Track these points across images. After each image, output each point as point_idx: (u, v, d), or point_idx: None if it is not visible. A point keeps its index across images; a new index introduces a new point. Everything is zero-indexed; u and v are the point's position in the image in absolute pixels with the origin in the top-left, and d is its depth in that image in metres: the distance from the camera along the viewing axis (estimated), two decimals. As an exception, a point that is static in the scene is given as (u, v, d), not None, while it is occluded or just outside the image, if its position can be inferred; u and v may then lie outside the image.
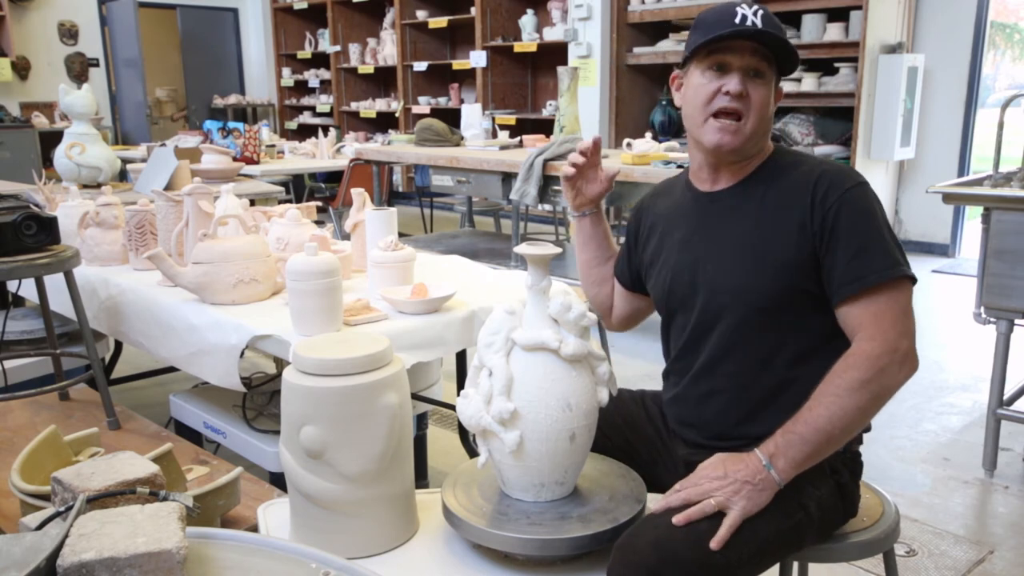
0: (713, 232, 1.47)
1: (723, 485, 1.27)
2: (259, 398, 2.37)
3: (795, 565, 1.64)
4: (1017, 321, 2.67)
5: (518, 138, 5.08)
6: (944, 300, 5.09)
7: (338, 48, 9.54)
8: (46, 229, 2.09)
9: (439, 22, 8.41)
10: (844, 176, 1.39)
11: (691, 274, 1.48)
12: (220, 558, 1.00)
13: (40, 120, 8.19)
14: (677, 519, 1.25)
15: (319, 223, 2.44)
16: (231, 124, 5.37)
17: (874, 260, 1.33)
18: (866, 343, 1.31)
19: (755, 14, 1.36)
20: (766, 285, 1.39)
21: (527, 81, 8.37)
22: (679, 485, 1.31)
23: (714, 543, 1.22)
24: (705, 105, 1.41)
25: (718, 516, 1.26)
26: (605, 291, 1.73)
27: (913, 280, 1.35)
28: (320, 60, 10.09)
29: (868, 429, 1.48)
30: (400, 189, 8.90)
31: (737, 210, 1.45)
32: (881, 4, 5.59)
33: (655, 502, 1.39)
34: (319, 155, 5.82)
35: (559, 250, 1.37)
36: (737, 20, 1.36)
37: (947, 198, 2.78)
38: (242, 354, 1.90)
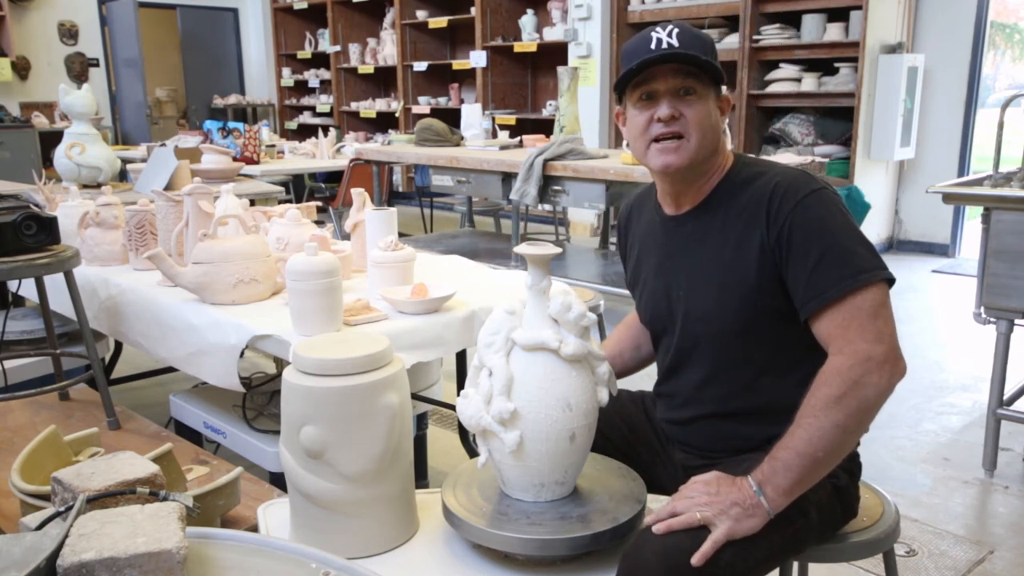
0: (681, 258, 1.46)
1: (712, 501, 1.25)
2: (259, 398, 2.37)
3: (795, 565, 1.64)
4: (1017, 321, 2.67)
5: (518, 138, 5.09)
6: (944, 300, 5.09)
7: (338, 48, 9.54)
8: (46, 229, 2.09)
9: (439, 22, 8.41)
10: (798, 186, 1.34)
11: (666, 301, 1.49)
12: (220, 558, 1.00)
13: (40, 120, 8.19)
14: (658, 527, 1.24)
15: (319, 223, 2.43)
16: (231, 124, 5.37)
17: (832, 271, 1.29)
18: (836, 357, 1.28)
19: (670, 35, 1.35)
20: (736, 309, 1.38)
21: (527, 81, 8.37)
22: (671, 499, 1.31)
23: (695, 559, 1.20)
24: (642, 135, 1.40)
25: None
26: (647, 351, 1.71)
27: (888, 281, 1.31)
28: (320, 60, 10.09)
29: (866, 430, 1.48)
30: (400, 189, 8.90)
31: (700, 234, 1.43)
32: (881, 4, 5.59)
33: (655, 503, 1.39)
34: (319, 155, 5.82)
35: (559, 250, 1.37)
36: (652, 45, 1.35)
37: (947, 198, 2.78)
38: (242, 354, 1.90)
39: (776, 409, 1.38)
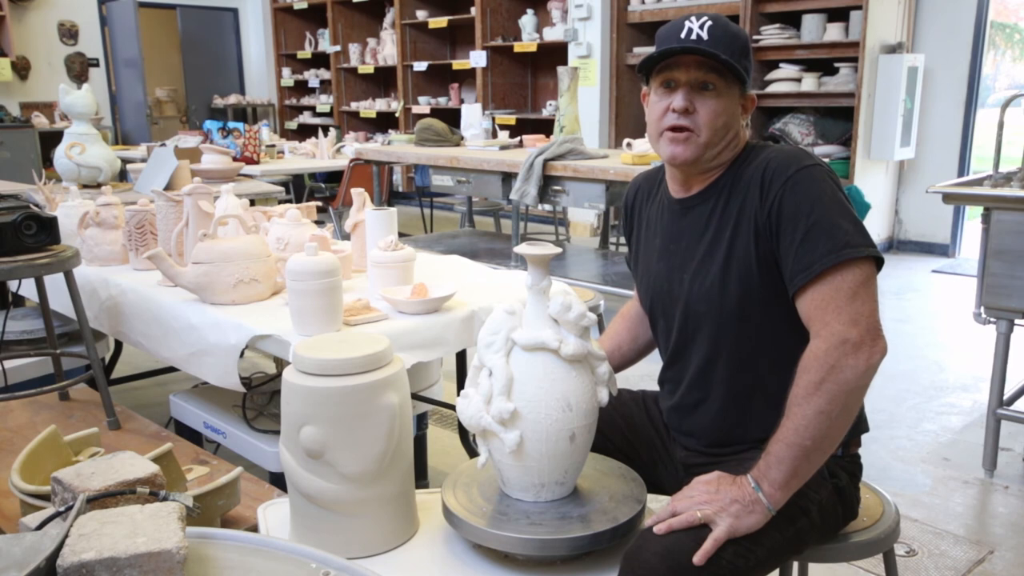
0: (685, 241, 1.46)
1: (712, 499, 1.25)
2: (259, 398, 2.37)
3: (795, 565, 1.64)
4: (1017, 321, 2.67)
5: (518, 138, 5.09)
6: (944, 300, 5.09)
7: (338, 48, 9.54)
8: (46, 229, 2.09)
9: (439, 22, 8.41)
10: (789, 161, 1.34)
11: (668, 283, 1.49)
12: (220, 558, 1.00)
13: (40, 120, 8.19)
14: (659, 528, 1.24)
15: (319, 223, 2.43)
16: (231, 124, 5.37)
17: (818, 245, 1.27)
18: (814, 341, 1.27)
19: (702, 27, 1.35)
20: (737, 291, 1.38)
21: (527, 81, 8.37)
22: (672, 499, 1.31)
23: (697, 557, 1.20)
24: (658, 122, 1.41)
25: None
26: (644, 341, 1.72)
27: (875, 260, 1.28)
28: (320, 60, 10.09)
29: (866, 429, 1.48)
30: (400, 189, 8.90)
31: (703, 217, 1.44)
32: (881, 4, 5.59)
33: (655, 503, 1.39)
34: (319, 155, 5.82)
35: (559, 250, 1.37)
36: (683, 35, 1.35)
37: (947, 198, 2.78)
38: (242, 354, 1.90)
39: (781, 392, 1.36)
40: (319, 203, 3.73)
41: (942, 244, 6.19)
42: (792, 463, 1.24)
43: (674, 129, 1.38)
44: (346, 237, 2.46)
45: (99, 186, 3.61)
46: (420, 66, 8.61)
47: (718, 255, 1.40)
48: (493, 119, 7.33)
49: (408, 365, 1.66)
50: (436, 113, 8.34)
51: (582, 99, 5.70)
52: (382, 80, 9.75)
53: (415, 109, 8.74)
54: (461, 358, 2.63)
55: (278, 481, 2.00)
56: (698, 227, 1.45)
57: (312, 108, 10.19)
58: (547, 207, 6.44)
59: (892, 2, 5.71)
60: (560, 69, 4.25)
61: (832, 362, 1.23)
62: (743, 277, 1.37)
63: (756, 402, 1.43)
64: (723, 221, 1.41)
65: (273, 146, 5.70)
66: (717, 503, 1.25)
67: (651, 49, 1.42)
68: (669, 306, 1.50)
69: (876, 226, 6.13)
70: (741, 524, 1.23)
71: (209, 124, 5.45)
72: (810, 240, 1.28)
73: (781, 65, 6.06)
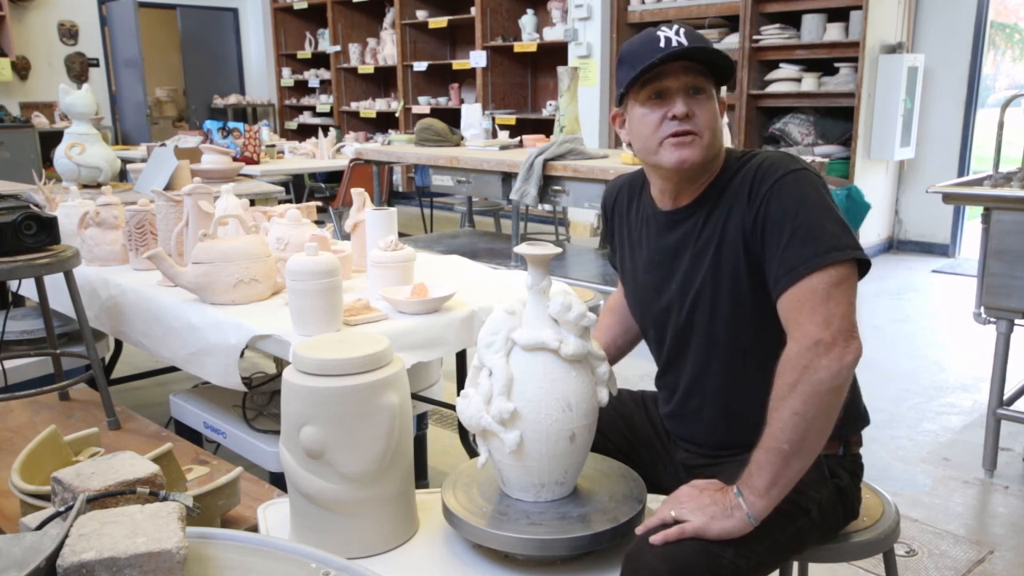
0: (674, 253, 1.46)
1: (693, 500, 1.26)
2: (259, 398, 2.37)
3: (795, 565, 1.64)
4: (1017, 321, 2.67)
5: (518, 138, 5.09)
6: (944, 300, 5.09)
7: (338, 48, 9.54)
8: (46, 229, 2.09)
9: (439, 22, 8.41)
10: (776, 166, 1.34)
11: (658, 294, 1.49)
12: (220, 558, 1.00)
13: (40, 120, 8.19)
14: (638, 528, 1.26)
15: (319, 223, 2.44)
16: (231, 124, 5.37)
17: (802, 250, 1.26)
18: (788, 344, 1.26)
19: (678, 33, 1.34)
20: (727, 300, 1.38)
21: (527, 81, 8.37)
22: (663, 502, 1.31)
23: (654, 538, 1.22)
24: (654, 134, 1.38)
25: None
26: (636, 331, 1.71)
27: (859, 261, 1.27)
28: (320, 60, 10.09)
29: (866, 423, 1.48)
30: (400, 189, 8.89)
31: (694, 228, 1.43)
32: (881, 4, 5.59)
33: (655, 503, 1.39)
34: (319, 155, 5.82)
35: (559, 250, 1.37)
36: (662, 44, 1.34)
37: (947, 198, 2.78)
38: (242, 354, 1.91)
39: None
40: (319, 203, 3.73)
41: (942, 244, 6.19)
42: (772, 468, 1.24)
43: (677, 135, 1.36)
44: (346, 237, 2.46)
45: (99, 186, 3.61)
46: (420, 66, 8.61)
47: (707, 265, 1.40)
48: (493, 119, 7.33)
49: (408, 365, 1.67)
50: (436, 113, 8.34)
51: (582, 99, 5.69)
52: (382, 80, 9.75)
53: (415, 109, 8.74)
54: (461, 358, 2.63)
55: (278, 481, 2.00)
56: (687, 240, 1.44)
57: (312, 108, 10.18)
58: (547, 207, 6.43)
59: (892, 2, 5.71)
60: (560, 69, 4.25)
61: (805, 363, 1.22)
62: (733, 286, 1.37)
63: (753, 408, 1.42)
64: (711, 232, 1.40)
65: (273, 146, 5.70)
66: (694, 503, 1.26)
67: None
68: (659, 317, 1.50)
69: (876, 226, 6.13)
70: (714, 525, 1.23)
71: (209, 124, 5.45)
72: (794, 244, 1.28)
73: (781, 65, 6.06)
